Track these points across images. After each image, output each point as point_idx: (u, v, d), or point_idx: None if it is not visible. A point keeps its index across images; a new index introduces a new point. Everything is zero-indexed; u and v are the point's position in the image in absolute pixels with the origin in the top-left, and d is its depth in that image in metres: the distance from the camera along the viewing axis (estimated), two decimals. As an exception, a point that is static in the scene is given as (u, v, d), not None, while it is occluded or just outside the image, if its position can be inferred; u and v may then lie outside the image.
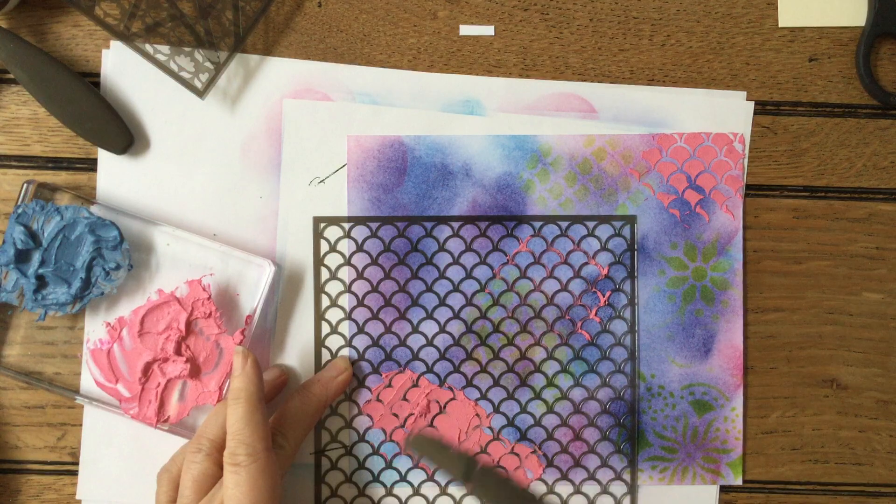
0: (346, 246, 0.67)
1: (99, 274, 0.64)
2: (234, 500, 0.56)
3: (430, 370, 0.67)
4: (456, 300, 0.67)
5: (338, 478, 0.66)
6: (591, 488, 0.67)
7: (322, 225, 0.67)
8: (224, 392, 0.64)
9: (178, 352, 0.64)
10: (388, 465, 0.66)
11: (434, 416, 0.66)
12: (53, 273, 0.63)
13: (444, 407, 0.67)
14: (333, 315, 0.67)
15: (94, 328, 0.65)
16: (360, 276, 0.67)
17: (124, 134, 0.65)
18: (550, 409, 0.67)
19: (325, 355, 0.67)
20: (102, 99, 0.65)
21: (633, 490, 0.67)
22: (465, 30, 0.67)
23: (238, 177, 0.66)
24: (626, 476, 0.67)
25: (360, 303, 0.67)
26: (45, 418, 0.66)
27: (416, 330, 0.67)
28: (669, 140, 0.67)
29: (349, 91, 0.67)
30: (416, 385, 0.66)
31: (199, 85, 0.64)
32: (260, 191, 0.67)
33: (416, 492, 0.67)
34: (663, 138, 0.67)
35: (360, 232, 0.67)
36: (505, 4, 0.67)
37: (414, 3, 0.67)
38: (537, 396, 0.67)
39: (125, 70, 0.66)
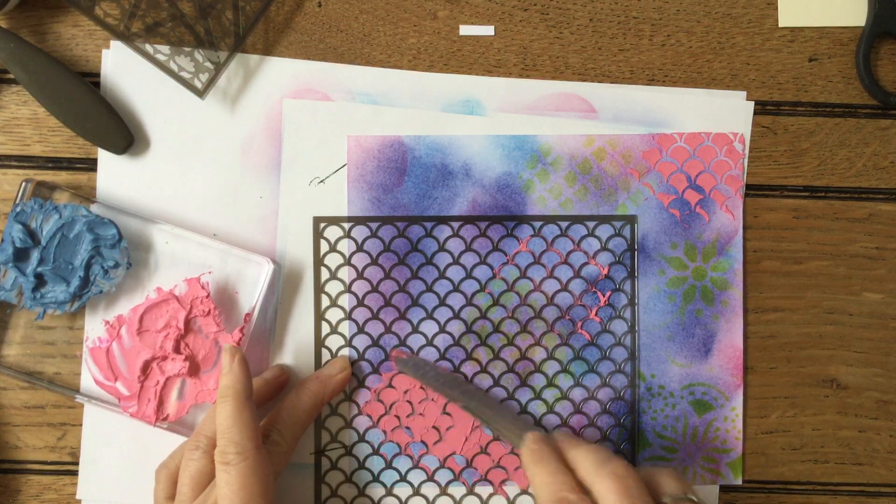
0: (346, 246, 0.67)
1: (98, 272, 0.64)
2: (226, 499, 0.56)
3: (429, 370, 0.67)
4: (456, 300, 0.67)
5: (338, 478, 0.66)
6: (590, 488, 0.67)
7: (322, 225, 0.67)
8: (223, 391, 0.64)
9: (176, 350, 0.64)
10: (388, 465, 0.66)
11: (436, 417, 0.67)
12: (52, 271, 0.63)
13: (445, 407, 0.66)
14: (333, 315, 0.67)
15: (93, 327, 0.66)
16: (360, 276, 0.67)
17: (124, 134, 0.65)
18: (550, 410, 0.67)
19: (325, 355, 0.67)
20: (102, 99, 0.65)
21: (633, 490, 0.67)
22: (465, 30, 0.67)
23: (238, 177, 0.67)
24: (626, 476, 0.67)
25: (360, 303, 0.67)
26: (45, 418, 0.66)
27: (416, 330, 0.67)
28: (669, 140, 0.67)
29: (349, 91, 0.67)
30: (415, 385, 0.66)
31: (199, 85, 0.65)
32: (260, 191, 0.67)
33: (416, 492, 0.67)
34: (663, 138, 0.67)
35: (360, 232, 0.67)
36: (505, 4, 0.67)
37: (414, 3, 0.67)
38: (537, 397, 0.67)
39: (125, 70, 0.67)
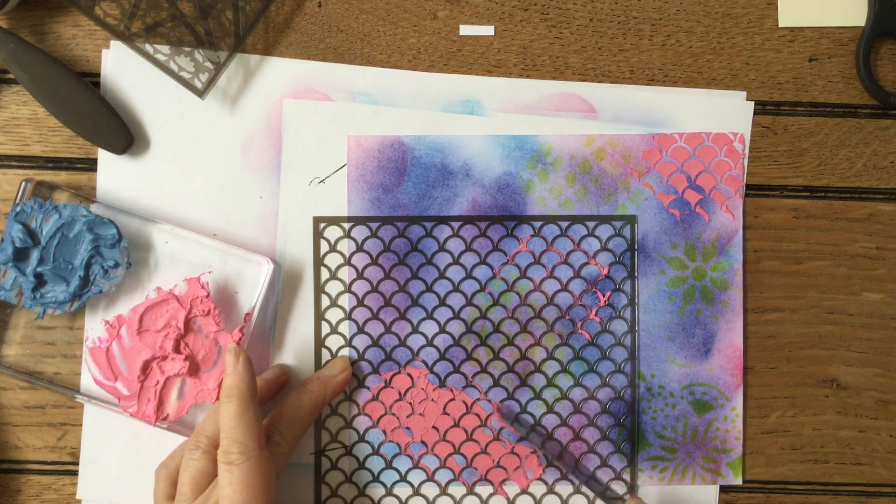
0: (346, 246, 0.67)
1: (97, 272, 0.64)
2: (228, 499, 0.56)
3: (430, 370, 0.67)
4: (456, 300, 0.67)
5: (338, 478, 0.66)
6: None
7: (322, 225, 0.67)
8: (223, 391, 0.64)
9: (176, 350, 0.64)
10: (388, 465, 0.66)
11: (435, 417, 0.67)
12: (52, 271, 0.63)
13: (445, 407, 0.66)
14: (333, 315, 0.67)
15: (93, 326, 0.65)
16: (360, 276, 0.67)
17: (124, 134, 0.65)
18: (550, 409, 0.67)
19: (325, 355, 0.67)
20: (102, 99, 0.65)
21: (632, 490, 0.67)
22: (465, 30, 0.67)
23: (238, 177, 0.67)
24: (626, 476, 0.67)
25: (360, 303, 0.66)
26: (45, 418, 0.66)
27: (416, 330, 0.67)
28: (669, 140, 0.67)
29: (349, 91, 0.67)
30: (415, 385, 0.66)
31: (199, 85, 0.65)
32: (260, 191, 0.67)
33: (416, 492, 0.67)
34: (663, 138, 0.67)
35: (360, 232, 0.67)
36: (505, 4, 0.67)
37: (414, 3, 0.67)
38: (537, 396, 0.67)
39: (125, 70, 0.67)
